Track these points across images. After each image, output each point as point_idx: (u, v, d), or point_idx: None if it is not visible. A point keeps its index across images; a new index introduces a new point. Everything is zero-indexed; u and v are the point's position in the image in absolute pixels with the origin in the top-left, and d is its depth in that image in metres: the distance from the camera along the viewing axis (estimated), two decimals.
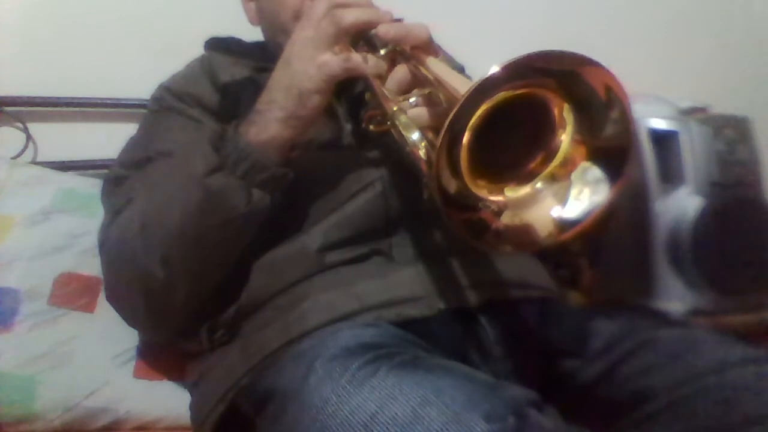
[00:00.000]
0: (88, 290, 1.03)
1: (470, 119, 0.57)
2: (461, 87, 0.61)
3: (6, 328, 0.97)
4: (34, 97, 1.25)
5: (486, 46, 1.40)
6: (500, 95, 0.57)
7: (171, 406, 0.97)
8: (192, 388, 0.90)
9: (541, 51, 0.54)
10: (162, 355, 1.01)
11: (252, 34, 1.05)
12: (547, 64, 0.57)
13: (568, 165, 0.63)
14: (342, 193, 0.84)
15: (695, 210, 1.21)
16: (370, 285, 0.78)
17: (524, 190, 0.64)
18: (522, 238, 0.63)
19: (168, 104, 0.95)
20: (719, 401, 0.66)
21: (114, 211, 0.86)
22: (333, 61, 0.75)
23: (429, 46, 0.75)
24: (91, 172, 1.21)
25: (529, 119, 0.62)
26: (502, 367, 0.76)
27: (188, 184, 0.77)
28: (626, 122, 0.59)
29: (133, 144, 0.95)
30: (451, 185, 0.60)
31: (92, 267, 1.03)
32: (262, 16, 1.02)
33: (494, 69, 0.53)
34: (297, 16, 0.90)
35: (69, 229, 1.07)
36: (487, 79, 0.54)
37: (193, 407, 0.88)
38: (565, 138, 0.62)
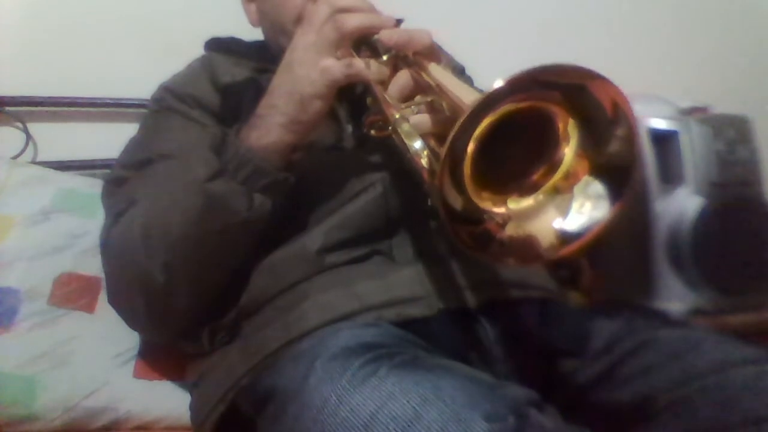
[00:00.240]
0: (88, 290, 1.03)
1: (474, 132, 0.57)
2: (465, 96, 0.61)
3: (6, 328, 0.97)
4: (34, 97, 1.25)
5: (487, 46, 1.41)
6: (504, 108, 0.57)
7: (171, 406, 0.97)
8: (192, 388, 0.90)
9: (548, 65, 0.54)
10: (162, 355, 1.00)
11: (252, 34, 1.05)
12: (553, 77, 0.56)
13: (571, 178, 0.63)
14: (343, 194, 0.84)
15: (695, 210, 1.21)
16: (370, 285, 0.78)
17: (527, 202, 0.64)
18: (525, 249, 0.63)
19: (168, 105, 0.95)
20: (719, 401, 0.66)
21: (115, 213, 0.86)
22: (335, 67, 0.75)
23: (431, 52, 0.74)
24: (91, 172, 1.21)
25: (533, 131, 0.62)
26: (502, 367, 0.76)
27: (190, 189, 0.77)
28: (631, 140, 0.59)
29: (133, 145, 0.95)
30: (455, 198, 0.59)
31: (92, 267, 1.03)
32: (262, 17, 1.02)
33: (499, 83, 0.53)
34: (298, 18, 0.90)
35: (69, 229, 1.07)
36: (491, 93, 0.53)
37: (193, 407, 0.88)
38: (568, 151, 0.62)
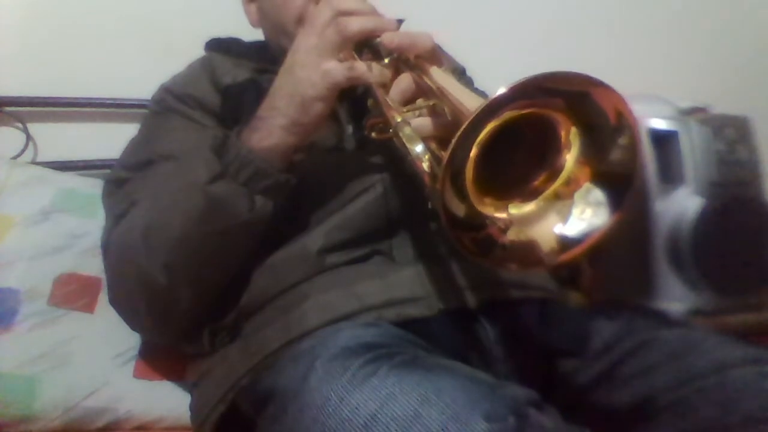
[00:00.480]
0: (88, 290, 1.03)
1: (476, 137, 0.56)
2: (467, 102, 0.61)
3: (6, 328, 0.97)
4: (34, 97, 1.25)
5: (488, 46, 1.41)
6: (507, 114, 0.57)
7: (171, 406, 0.97)
8: (192, 388, 0.90)
9: (551, 72, 0.54)
10: (162, 355, 1.01)
11: (253, 35, 1.05)
12: (557, 84, 0.56)
13: (572, 184, 0.63)
14: (343, 195, 0.84)
15: (695, 210, 1.21)
16: (370, 285, 0.78)
17: (528, 208, 0.63)
18: (526, 255, 0.62)
19: (169, 105, 0.95)
20: (719, 401, 0.66)
21: (116, 214, 0.86)
22: (337, 69, 0.75)
23: (433, 55, 0.74)
24: (91, 172, 1.21)
25: (535, 138, 0.62)
26: (502, 368, 0.76)
27: (191, 191, 0.77)
28: (633, 149, 0.59)
29: (134, 145, 0.95)
30: (457, 204, 0.59)
31: (92, 267, 1.03)
32: (263, 17, 1.02)
33: (501, 90, 0.53)
34: (300, 18, 0.90)
35: (69, 229, 1.07)
36: (493, 99, 0.53)
37: (194, 407, 0.88)
38: (569, 158, 0.62)
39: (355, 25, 0.75)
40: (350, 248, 0.82)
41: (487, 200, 0.62)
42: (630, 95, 0.57)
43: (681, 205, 1.23)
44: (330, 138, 0.89)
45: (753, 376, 0.67)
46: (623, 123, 0.58)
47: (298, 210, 0.84)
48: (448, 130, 0.64)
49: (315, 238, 0.82)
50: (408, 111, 0.69)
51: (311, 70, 0.76)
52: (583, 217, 0.62)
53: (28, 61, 1.27)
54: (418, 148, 0.65)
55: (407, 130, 0.67)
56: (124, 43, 1.30)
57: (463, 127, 0.53)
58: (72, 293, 1.02)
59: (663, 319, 0.85)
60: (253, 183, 0.77)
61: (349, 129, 0.90)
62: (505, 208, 0.63)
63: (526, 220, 0.63)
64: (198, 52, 1.06)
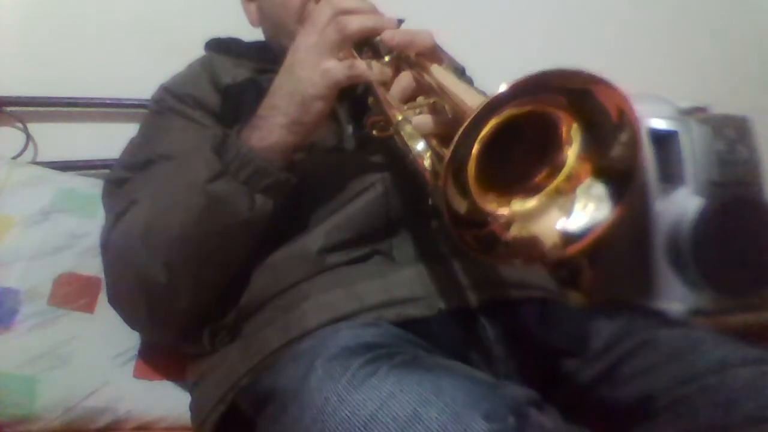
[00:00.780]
0: (88, 290, 1.03)
1: (477, 135, 0.57)
2: (468, 99, 0.61)
3: (6, 328, 0.97)
4: (34, 97, 1.25)
5: (488, 46, 1.41)
6: (508, 111, 0.57)
7: (171, 406, 0.97)
8: (192, 388, 0.90)
9: (552, 69, 0.54)
10: (162, 355, 1.00)
11: (253, 35, 1.05)
12: (558, 81, 0.56)
13: (573, 180, 0.63)
14: (343, 195, 0.84)
15: (695, 210, 1.21)
16: (370, 285, 0.78)
17: (531, 203, 0.64)
18: (529, 250, 0.63)
19: (169, 105, 0.95)
20: (719, 401, 0.66)
21: (116, 213, 0.86)
22: (337, 68, 0.75)
23: (434, 53, 0.75)
24: (91, 172, 1.21)
25: (536, 134, 0.62)
26: (502, 368, 0.76)
27: (191, 190, 0.77)
28: (634, 145, 0.59)
29: (134, 145, 0.95)
30: (459, 201, 0.59)
31: (92, 267, 1.03)
32: (263, 17, 1.02)
33: (503, 87, 0.53)
34: (300, 17, 0.90)
35: (69, 229, 1.07)
36: (495, 97, 0.53)
37: (194, 407, 0.88)
38: (570, 154, 0.62)
39: (356, 23, 0.75)
40: (350, 248, 0.82)
41: (489, 197, 0.62)
42: (630, 95, 0.57)
43: (681, 205, 1.23)
44: (330, 138, 0.89)
45: (753, 376, 0.67)
46: (625, 120, 0.58)
47: (299, 210, 0.84)
48: (449, 127, 0.65)
49: (315, 238, 0.82)
50: (408, 109, 0.69)
51: (311, 69, 0.76)
52: (585, 211, 0.62)
53: (28, 61, 1.27)
54: (420, 145, 0.65)
55: (408, 128, 0.67)
56: (124, 43, 1.30)
57: (465, 124, 0.54)
58: (72, 293, 1.02)
59: (663, 319, 0.85)
60: (253, 182, 0.77)
61: (349, 129, 0.90)
62: (508, 205, 0.63)
63: (529, 216, 0.63)
64: (198, 52, 1.06)
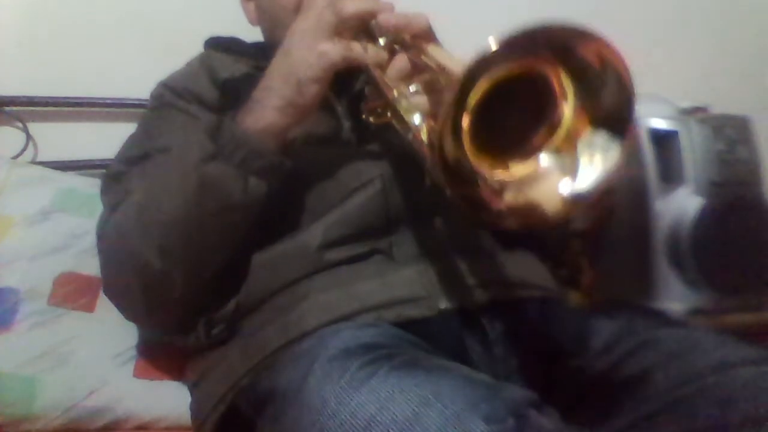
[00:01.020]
0: (88, 290, 1.03)
1: (470, 97, 0.57)
2: (459, 62, 0.61)
3: (6, 328, 0.97)
4: (34, 97, 1.25)
5: (481, 40, 1.40)
6: (500, 70, 0.57)
7: (171, 405, 0.97)
8: (192, 387, 0.90)
9: (537, 23, 0.54)
10: (162, 354, 1.00)
11: (252, 35, 1.05)
12: (543, 36, 0.56)
13: (573, 136, 0.62)
14: (342, 190, 0.84)
15: (695, 210, 1.21)
16: (369, 285, 0.78)
17: (530, 166, 0.63)
18: (529, 213, 0.62)
19: (167, 101, 0.95)
20: (719, 401, 0.66)
21: (111, 205, 0.86)
22: (333, 50, 0.75)
23: (429, 35, 0.75)
24: (91, 172, 1.21)
25: (531, 95, 0.62)
26: (502, 368, 0.76)
27: (184, 172, 0.77)
28: (624, 79, 0.58)
29: (132, 141, 0.96)
30: (455, 160, 0.59)
31: (92, 267, 1.03)
32: (261, 15, 1.02)
33: (491, 40, 0.53)
34: (297, 10, 0.90)
35: (69, 229, 1.07)
36: (484, 52, 0.53)
37: (194, 407, 0.88)
38: (567, 109, 0.62)
39: (351, 6, 0.76)
40: (350, 244, 0.82)
41: (488, 162, 0.62)
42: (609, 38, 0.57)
43: (681, 205, 1.23)
44: (328, 133, 0.89)
45: (753, 376, 0.67)
46: (609, 62, 0.57)
47: (296, 204, 0.84)
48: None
49: (314, 234, 0.82)
50: (405, 87, 0.69)
51: (307, 51, 0.76)
52: (594, 163, 0.61)
53: (28, 61, 1.27)
54: (416, 119, 0.65)
55: (404, 102, 0.67)
56: (124, 43, 1.30)
57: (460, 76, 0.54)
58: (72, 293, 1.02)
59: (663, 319, 0.85)
60: (246, 164, 0.76)
61: (347, 124, 0.90)
62: (506, 168, 0.63)
63: (528, 179, 0.63)
64: (198, 52, 1.06)
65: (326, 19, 0.76)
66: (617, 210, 1.29)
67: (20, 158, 1.23)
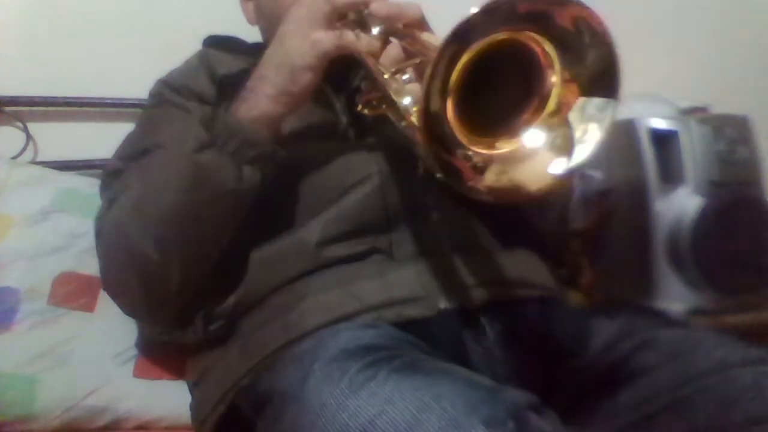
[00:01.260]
0: (88, 290, 1.03)
1: (457, 61, 0.57)
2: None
3: (6, 327, 0.97)
4: (34, 97, 1.25)
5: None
6: (484, 42, 0.57)
7: (171, 405, 0.97)
8: (192, 387, 0.90)
9: None
10: (162, 354, 1.00)
11: (251, 35, 1.05)
12: (523, 5, 0.56)
13: (563, 108, 0.62)
14: (340, 187, 0.84)
15: (695, 210, 1.21)
16: (369, 285, 0.78)
17: (519, 143, 0.63)
18: (518, 191, 0.62)
19: (166, 98, 0.95)
20: (719, 401, 0.67)
21: (109, 200, 0.87)
22: (326, 38, 0.76)
23: (422, 24, 0.75)
24: (91, 172, 1.21)
25: (518, 69, 0.62)
26: (502, 368, 0.76)
27: (179, 162, 0.78)
28: (606, 42, 0.58)
29: (131, 138, 0.96)
30: (445, 138, 0.59)
31: (92, 267, 1.02)
32: (260, 13, 1.02)
33: (472, 9, 0.54)
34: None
35: (69, 229, 1.07)
36: (465, 17, 0.54)
37: (194, 407, 0.88)
38: (555, 77, 0.62)
39: None
40: (348, 241, 0.82)
41: (480, 141, 0.62)
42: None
43: (681, 205, 1.23)
44: (325, 129, 0.89)
45: (753, 376, 0.67)
46: (585, 25, 0.57)
47: (294, 201, 0.84)
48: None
49: (312, 230, 0.82)
50: (397, 72, 0.70)
51: (301, 40, 0.76)
52: (588, 134, 0.61)
53: (28, 61, 1.27)
54: (406, 100, 0.65)
55: (395, 84, 0.67)
56: (124, 43, 1.30)
57: (443, 42, 0.54)
58: (72, 293, 1.02)
59: (663, 319, 0.85)
60: (240, 153, 0.77)
61: (345, 120, 0.90)
62: (499, 146, 0.63)
63: (521, 156, 0.63)
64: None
65: (320, 8, 0.77)
66: (617, 210, 1.30)
67: (20, 158, 1.23)
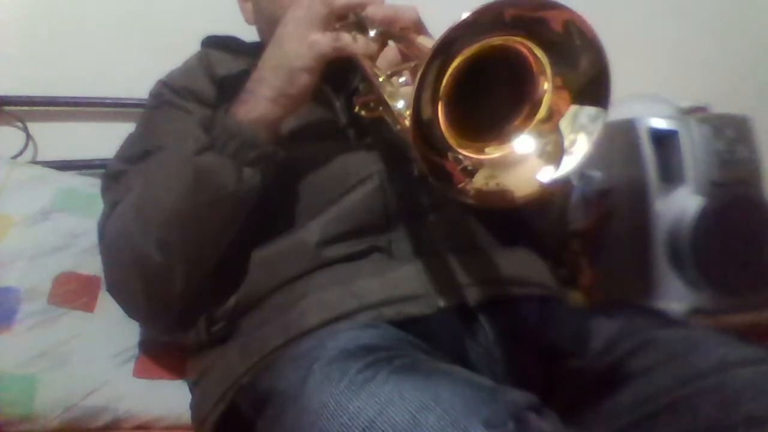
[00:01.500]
0: (88, 289, 1.03)
1: (450, 64, 0.57)
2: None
3: (6, 327, 0.97)
4: (34, 97, 1.25)
5: None
6: (476, 48, 0.58)
7: (171, 405, 0.97)
8: (192, 386, 0.90)
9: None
10: (162, 354, 1.00)
11: (250, 36, 1.05)
12: (511, 10, 0.57)
13: (555, 115, 0.62)
14: (339, 187, 0.84)
15: (695, 210, 1.22)
16: (369, 283, 0.78)
17: (508, 148, 0.63)
18: (504, 197, 0.62)
19: (166, 99, 0.96)
20: (719, 401, 0.67)
21: (112, 203, 0.87)
22: (323, 40, 0.76)
23: (418, 27, 0.75)
24: (91, 171, 1.21)
25: (510, 76, 0.63)
26: (502, 368, 0.76)
27: (179, 164, 0.78)
28: (595, 47, 0.58)
29: (132, 139, 0.96)
30: (433, 134, 0.60)
31: (92, 266, 1.03)
32: (258, 14, 1.02)
33: (463, 15, 0.54)
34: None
35: (69, 229, 1.07)
36: (456, 21, 0.54)
37: (194, 406, 0.88)
38: (546, 84, 0.62)
39: None
40: (348, 241, 0.82)
41: (471, 146, 0.62)
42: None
43: (681, 205, 1.23)
44: (325, 130, 0.89)
45: (753, 376, 0.67)
46: (575, 29, 0.58)
47: (294, 201, 0.84)
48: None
49: (312, 231, 0.82)
50: (392, 75, 0.70)
51: (298, 42, 0.77)
52: (576, 144, 0.61)
53: (28, 61, 1.27)
54: (400, 104, 0.65)
55: (389, 88, 0.68)
56: (124, 43, 1.30)
57: (435, 44, 0.54)
58: (72, 292, 1.02)
59: (663, 319, 0.85)
60: (240, 154, 0.77)
61: (345, 120, 0.90)
62: (491, 151, 0.63)
63: (510, 162, 0.63)
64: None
65: (317, 10, 0.77)
66: (617, 210, 1.30)
67: (20, 158, 1.23)
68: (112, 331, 0.99)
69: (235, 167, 0.77)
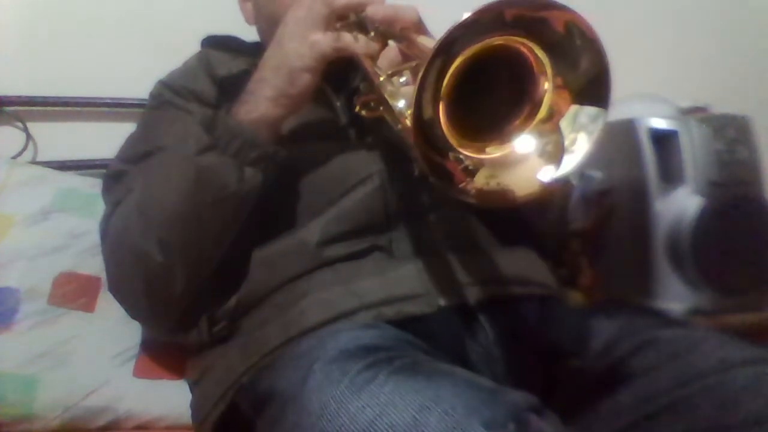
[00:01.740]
0: (88, 290, 1.03)
1: (450, 65, 0.57)
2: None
3: (6, 327, 0.97)
4: (34, 97, 1.25)
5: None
6: (476, 47, 0.58)
7: (171, 405, 0.97)
8: (192, 386, 0.90)
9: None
10: (162, 354, 1.00)
11: (250, 36, 1.05)
12: (512, 11, 0.57)
13: (555, 115, 0.63)
14: (340, 187, 0.84)
15: (695, 210, 1.22)
16: (369, 282, 0.78)
17: (509, 148, 0.63)
18: (503, 195, 0.63)
19: (166, 99, 0.96)
20: (719, 401, 0.67)
21: (113, 203, 0.87)
22: (324, 40, 0.76)
23: (419, 27, 0.75)
24: (91, 172, 1.21)
25: (511, 76, 0.63)
26: (502, 368, 0.76)
27: (181, 164, 0.79)
28: (596, 47, 0.58)
29: (132, 140, 0.96)
30: (434, 133, 0.60)
31: (92, 266, 1.03)
32: (258, 14, 1.02)
33: (464, 15, 0.54)
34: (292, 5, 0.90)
35: (69, 229, 1.07)
36: (456, 22, 0.54)
37: (194, 406, 0.88)
38: (547, 83, 0.62)
39: None
40: (348, 240, 0.82)
41: (472, 146, 0.62)
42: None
43: (681, 205, 1.23)
44: (326, 129, 0.90)
45: (753, 376, 0.68)
46: (575, 29, 0.58)
47: (295, 201, 0.84)
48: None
49: (313, 231, 0.82)
50: (393, 75, 0.70)
51: (299, 42, 0.77)
52: (576, 144, 0.61)
53: (28, 61, 1.27)
54: (401, 104, 0.65)
55: (390, 87, 0.68)
56: (124, 42, 1.30)
57: (435, 46, 0.54)
58: (72, 292, 1.02)
59: (663, 319, 0.85)
60: (241, 154, 0.77)
61: (345, 120, 0.90)
62: (491, 151, 0.63)
63: (510, 162, 0.63)
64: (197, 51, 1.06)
65: (318, 10, 0.77)
66: (617, 210, 1.30)
67: (20, 158, 1.23)
68: (112, 331, 0.99)
69: (236, 167, 0.77)
